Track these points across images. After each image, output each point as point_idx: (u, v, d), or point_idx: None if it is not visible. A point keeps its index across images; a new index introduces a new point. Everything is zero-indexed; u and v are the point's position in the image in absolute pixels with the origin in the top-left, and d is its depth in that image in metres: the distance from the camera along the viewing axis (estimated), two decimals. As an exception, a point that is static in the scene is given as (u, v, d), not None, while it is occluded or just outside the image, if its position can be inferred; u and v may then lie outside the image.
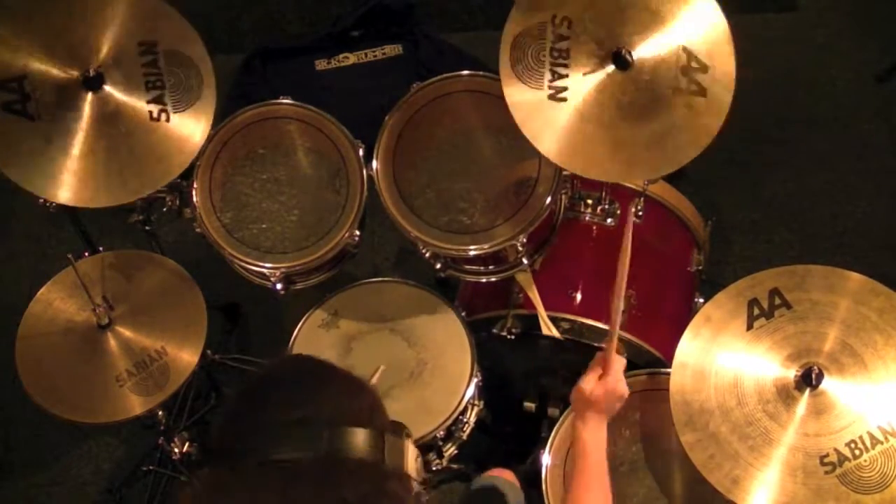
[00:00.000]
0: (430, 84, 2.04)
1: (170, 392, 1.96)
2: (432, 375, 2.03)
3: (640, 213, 2.20)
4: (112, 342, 1.99)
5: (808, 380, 1.60)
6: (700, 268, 2.30)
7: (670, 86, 1.78)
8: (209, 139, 2.03)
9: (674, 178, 2.25)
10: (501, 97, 1.83)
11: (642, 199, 2.20)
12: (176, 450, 2.09)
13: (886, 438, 1.56)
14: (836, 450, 1.56)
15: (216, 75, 2.00)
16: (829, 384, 1.60)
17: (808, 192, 2.98)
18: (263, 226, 2.03)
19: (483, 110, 2.01)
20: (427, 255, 2.03)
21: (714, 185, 2.92)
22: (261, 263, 2.01)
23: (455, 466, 2.21)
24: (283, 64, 3.22)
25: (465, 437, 2.09)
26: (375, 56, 3.22)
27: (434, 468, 2.08)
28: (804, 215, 2.95)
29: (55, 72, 1.93)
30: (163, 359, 1.98)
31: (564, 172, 1.95)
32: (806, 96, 3.17)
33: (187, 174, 2.03)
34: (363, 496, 1.02)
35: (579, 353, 2.09)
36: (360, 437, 1.04)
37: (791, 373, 1.63)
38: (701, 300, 2.18)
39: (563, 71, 1.80)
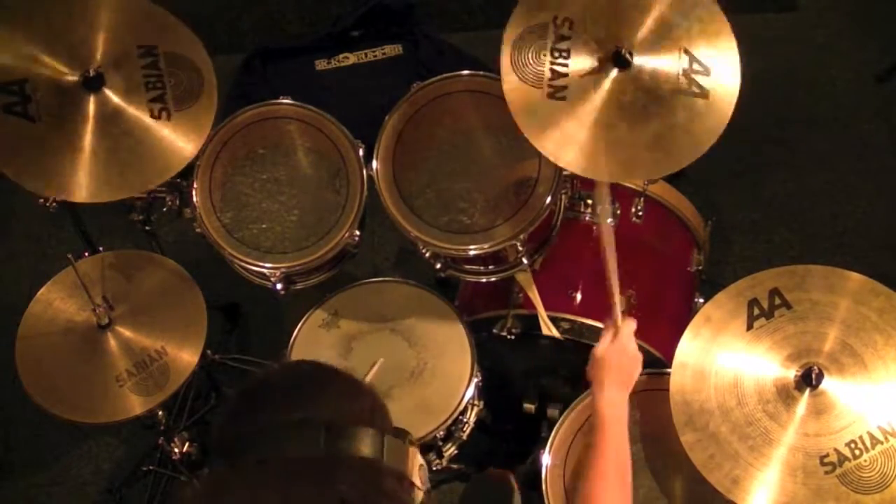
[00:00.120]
0: (430, 84, 2.04)
1: (170, 392, 1.96)
2: (432, 375, 2.03)
3: (640, 213, 2.20)
4: (112, 342, 1.99)
5: (808, 380, 1.60)
6: (700, 268, 2.30)
7: (671, 87, 1.78)
8: (209, 139, 2.03)
9: (674, 178, 2.25)
10: (501, 97, 1.83)
11: (642, 199, 2.20)
12: (176, 450, 2.09)
13: (886, 438, 1.56)
14: (836, 450, 1.56)
15: (216, 75, 2.00)
16: (829, 384, 1.60)
17: (808, 192, 2.98)
18: (263, 226, 2.03)
19: (483, 110, 2.01)
20: (427, 255, 2.03)
21: (714, 185, 2.92)
22: (261, 263, 2.01)
23: (455, 466, 2.21)
24: (283, 64, 3.22)
25: (465, 437, 2.09)
26: (375, 56, 3.22)
27: (434, 468, 2.08)
28: (804, 215, 2.95)
29: (55, 74, 1.94)
30: (163, 359, 1.98)
31: (564, 172, 1.95)
32: (806, 96, 3.17)
33: (187, 174, 2.03)
34: (362, 494, 1.02)
35: (579, 353, 2.09)
36: (358, 436, 1.04)
37: (791, 373, 1.63)
38: (701, 300, 2.18)
39: (562, 70, 1.80)
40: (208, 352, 2.35)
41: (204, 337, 2.02)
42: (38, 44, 1.94)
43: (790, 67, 3.21)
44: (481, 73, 2.03)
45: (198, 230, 2.04)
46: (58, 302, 2.03)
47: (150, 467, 2.48)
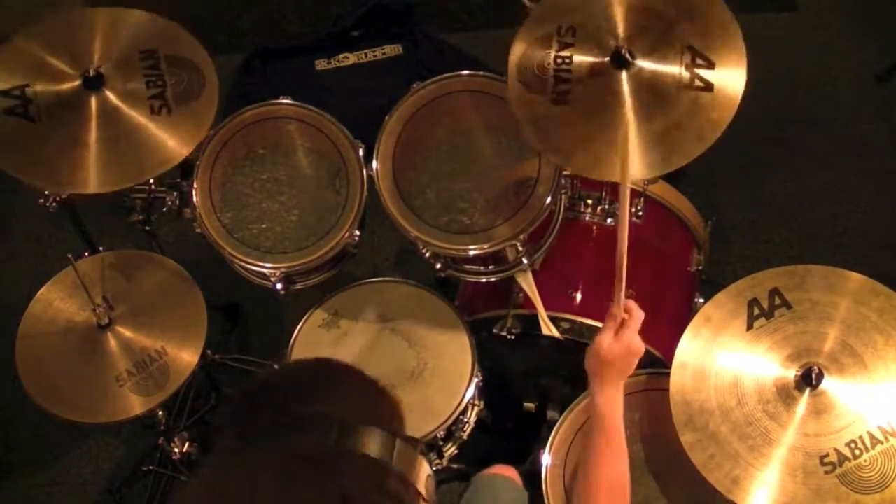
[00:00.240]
0: (430, 84, 2.04)
1: (170, 392, 1.96)
2: (432, 375, 2.03)
3: (640, 213, 2.20)
4: (112, 342, 1.99)
5: (808, 380, 1.60)
6: (700, 268, 2.30)
7: (674, 83, 1.78)
8: (209, 139, 2.03)
9: (674, 178, 2.25)
10: (501, 97, 1.83)
11: (642, 199, 2.20)
12: (176, 450, 2.09)
13: (886, 438, 1.56)
14: (836, 450, 1.56)
15: (216, 75, 2.00)
16: (829, 384, 1.60)
17: (808, 192, 2.98)
18: (263, 226, 2.03)
19: (483, 110, 2.01)
20: (427, 255, 2.03)
21: (714, 185, 2.92)
22: (261, 263, 2.01)
23: (455, 466, 2.21)
24: (283, 64, 3.22)
25: (465, 436, 2.09)
26: (375, 56, 3.22)
27: (434, 468, 2.08)
28: (804, 215, 2.95)
29: (57, 79, 1.95)
30: (163, 359, 1.98)
31: (564, 172, 1.95)
32: (806, 96, 3.17)
33: (187, 174, 2.03)
34: (364, 491, 1.02)
35: (579, 353, 2.09)
36: (370, 435, 1.04)
37: (791, 373, 1.63)
38: (701, 300, 2.18)
39: (565, 75, 1.81)
40: (208, 352, 2.35)
41: (204, 337, 2.02)
42: (41, 49, 1.97)
43: (790, 67, 3.21)
44: (481, 73, 2.03)
45: (198, 230, 2.04)
46: (58, 302, 2.03)
47: (150, 467, 2.48)
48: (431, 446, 2.04)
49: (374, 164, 2.00)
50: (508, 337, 2.09)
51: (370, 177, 2.01)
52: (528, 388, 2.27)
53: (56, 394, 1.94)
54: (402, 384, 2.01)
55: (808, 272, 1.71)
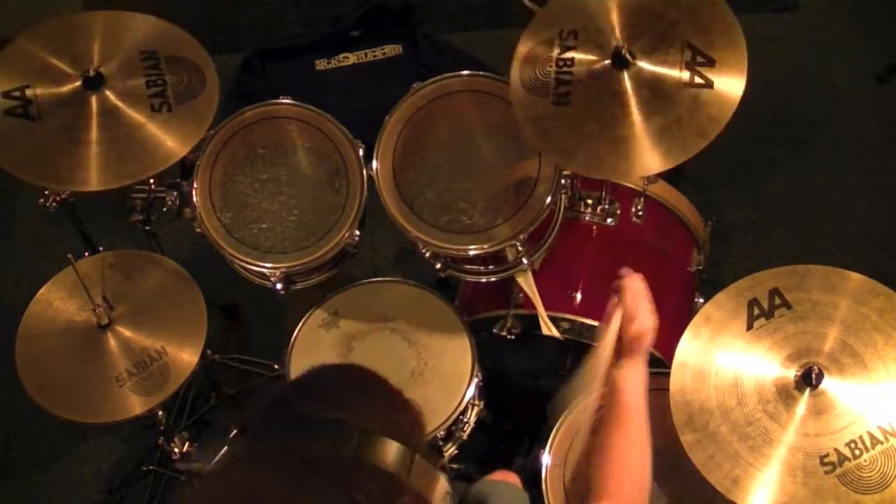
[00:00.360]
0: (430, 84, 2.04)
1: (170, 392, 1.96)
2: (432, 375, 2.03)
3: (640, 213, 2.20)
4: (112, 342, 1.99)
5: (808, 380, 1.59)
6: (700, 268, 2.30)
7: (675, 80, 1.79)
8: (209, 139, 2.03)
9: (674, 178, 2.26)
10: (501, 97, 1.84)
11: (642, 198, 2.20)
12: (176, 450, 2.09)
13: (886, 438, 1.56)
14: (836, 450, 1.56)
15: (217, 75, 2.01)
16: (829, 384, 1.60)
17: (808, 192, 2.98)
18: (263, 226, 2.03)
19: (483, 110, 2.01)
20: (427, 255, 2.03)
21: (714, 185, 2.92)
22: (261, 263, 2.01)
23: (455, 466, 2.21)
24: (283, 64, 3.22)
25: (465, 436, 2.09)
26: (375, 56, 3.22)
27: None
28: (804, 215, 2.95)
29: (56, 77, 1.96)
30: (163, 359, 1.98)
31: (564, 172, 1.95)
32: (806, 96, 3.17)
33: (187, 174, 2.03)
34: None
35: (579, 352, 2.09)
36: (388, 448, 1.03)
37: (791, 373, 1.63)
38: (701, 300, 2.18)
39: (567, 77, 1.81)
40: (208, 352, 2.35)
41: (204, 337, 2.02)
42: (41, 51, 1.98)
43: (790, 67, 3.21)
44: (481, 73, 2.03)
45: (198, 230, 2.04)
46: (58, 302, 2.03)
47: (150, 467, 2.48)
48: (431, 446, 2.04)
49: (374, 164, 2.00)
50: (508, 337, 2.09)
51: (370, 177, 2.01)
52: (527, 388, 2.27)
53: (56, 394, 1.94)
54: (402, 384, 1.96)
55: (808, 272, 1.71)
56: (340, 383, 1.12)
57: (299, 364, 2.04)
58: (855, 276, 1.69)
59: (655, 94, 1.79)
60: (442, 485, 1.09)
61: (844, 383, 1.60)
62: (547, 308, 2.05)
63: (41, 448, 2.67)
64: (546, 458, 1.80)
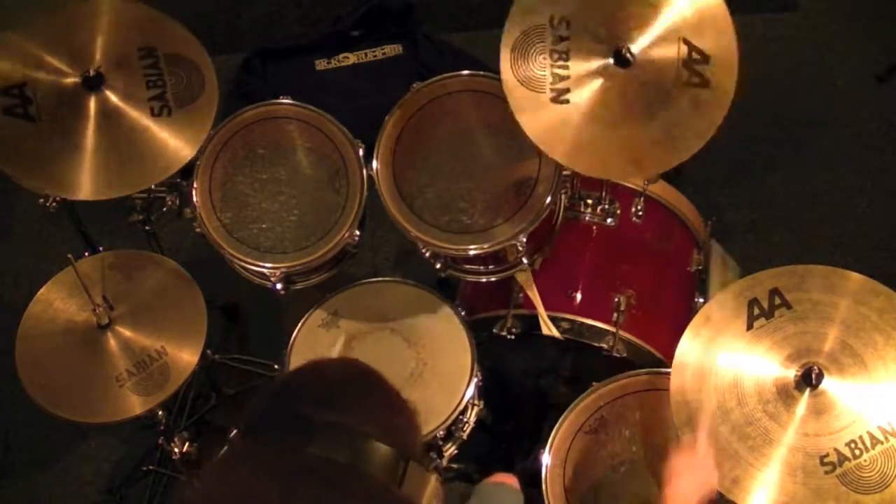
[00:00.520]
0: (430, 84, 2.04)
1: (170, 392, 1.96)
2: (432, 375, 2.03)
3: (640, 213, 2.20)
4: (112, 342, 1.99)
5: (808, 380, 1.59)
6: (700, 268, 2.30)
7: (673, 80, 1.79)
8: (209, 139, 2.03)
9: (674, 178, 2.26)
10: (501, 97, 1.83)
11: (642, 198, 2.20)
12: (176, 450, 2.09)
13: (886, 438, 1.56)
14: (836, 450, 1.56)
15: (216, 75, 2.00)
16: (829, 384, 1.60)
17: (808, 192, 2.99)
18: (263, 226, 2.03)
19: (483, 110, 2.01)
20: (427, 255, 2.03)
21: (714, 185, 2.92)
22: (261, 263, 2.01)
23: (455, 466, 2.21)
24: (283, 64, 3.22)
25: (465, 436, 2.09)
26: (375, 56, 3.22)
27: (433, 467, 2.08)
28: (804, 215, 2.95)
29: (56, 75, 1.95)
30: (163, 359, 1.98)
31: (564, 172, 1.95)
32: (806, 96, 3.17)
33: (187, 174, 2.03)
34: None
35: (579, 353, 2.09)
36: (383, 456, 1.03)
37: (791, 373, 1.63)
38: (701, 300, 2.18)
39: (563, 73, 1.80)
40: (208, 352, 2.35)
41: (204, 337, 2.02)
42: (39, 46, 1.96)
43: (790, 67, 3.21)
44: (481, 73, 2.04)
45: (198, 230, 2.04)
46: (58, 302, 2.03)
47: (150, 467, 2.48)
48: (431, 446, 2.03)
49: (374, 164, 2.00)
50: (508, 337, 2.09)
51: (370, 177, 2.01)
52: (527, 388, 2.27)
53: (56, 394, 1.94)
54: (402, 384, 1.96)
55: (808, 272, 1.70)
56: (339, 382, 1.11)
57: (299, 364, 2.04)
58: (855, 276, 1.69)
59: (656, 93, 1.79)
60: (433, 487, 1.09)
61: (844, 383, 1.60)
62: (547, 308, 2.06)
63: (41, 448, 2.67)
64: (546, 458, 1.80)
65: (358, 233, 2.04)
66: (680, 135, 1.78)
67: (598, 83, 1.80)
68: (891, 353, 1.61)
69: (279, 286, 2.06)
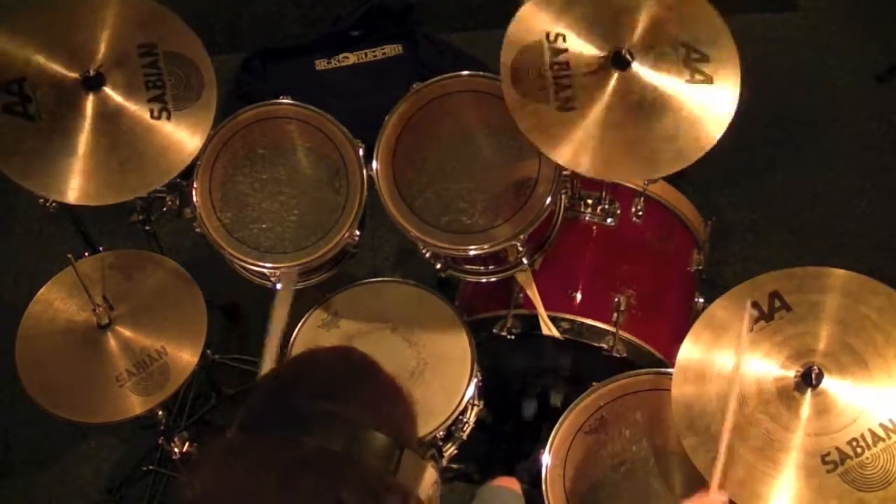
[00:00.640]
0: (430, 84, 2.04)
1: (170, 392, 1.96)
2: (432, 375, 2.03)
3: (640, 213, 2.20)
4: (112, 342, 1.99)
5: (809, 380, 1.59)
6: (700, 268, 2.30)
7: (676, 79, 1.80)
8: (209, 139, 2.03)
9: (674, 178, 2.25)
10: (501, 97, 1.84)
11: (642, 198, 2.20)
12: (176, 450, 2.09)
13: (888, 435, 1.55)
14: (837, 448, 1.55)
15: (216, 75, 2.00)
16: (829, 383, 1.60)
17: (808, 192, 2.99)
18: (263, 226, 2.03)
19: (483, 110, 2.01)
20: (427, 255, 2.03)
21: (714, 185, 2.92)
22: (261, 263, 2.01)
23: (455, 466, 2.21)
24: (283, 64, 3.22)
25: (465, 436, 2.09)
26: (375, 56, 3.22)
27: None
28: (804, 215, 2.95)
29: (55, 73, 1.94)
30: (163, 359, 1.98)
31: (564, 172, 1.95)
32: (806, 96, 3.17)
33: (187, 174, 2.03)
34: (360, 502, 1.01)
35: (579, 352, 2.09)
36: (378, 444, 1.04)
37: (791, 374, 1.62)
38: (701, 300, 2.18)
39: (566, 81, 1.81)
40: (208, 352, 2.35)
41: (204, 337, 2.02)
42: (39, 43, 1.94)
43: (790, 67, 3.21)
44: (481, 73, 2.03)
45: (198, 230, 2.04)
46: (58, 302, 2.03)
47: (150, 467, 2.48)
48: (430, 445, 2.03)
49: (374, 164, 2.00)
50: (508, 337, 2.09)
51: (370, 177, 2.01)
52: (527, 388, 2.27)
53: (56, 394, 1.94)
54: (402, 384, 2.00)
55: (807, 273, 1.70)
56: (334, 371, 1.11)
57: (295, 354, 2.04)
58: (854, 275, 1.68)
59: (660, 92, 1.80)
60: (430, 476, 1.09)
61: (845, 382, 1.60)
62: (547, 308, 2.06)
63: (41, 448, 2.67)
64: (546, 458, 1.80)
65: (358, 233, 2.04)
66: (692, 130, 1.78)
67: (602, 87, 1.81)
68: (891, 352, 1.61)
69: (279, 286, 2.06)
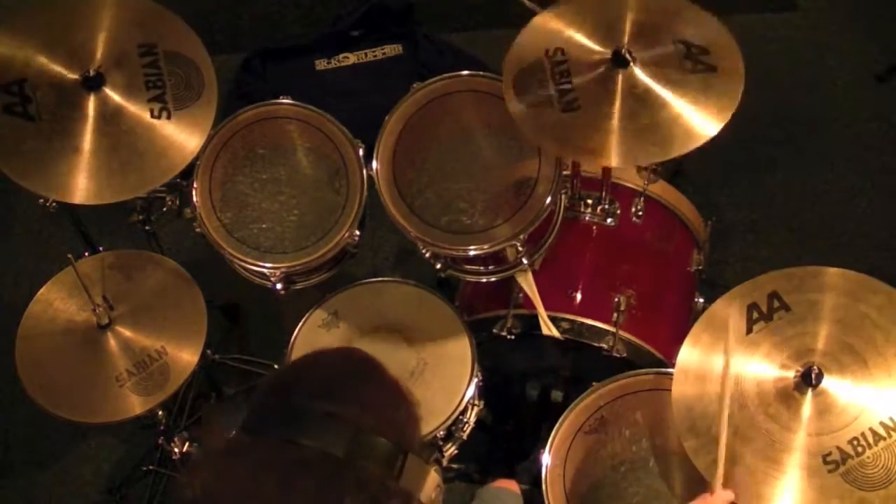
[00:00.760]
0: (430, 84, 2.04)
1: (170, 392, 1.96)
2: (432, 375, 2.03)
3: (640, 213, 2.20)
4: (112, 342, 1.99)
5: (809, 380, 1.59)
6: (700, 268, 2.30)
7: (679, 72, 1.82)
8: (209, 139, 2.03)
9: (674, 178, 2.26)
10: (501, 97, 1.84)
11: (642, 198, 2.20)
12: (176, 450, 2.09)
13: (889, 434, 1.55)
14: (838, 448, 1.55)
15: (216, 75, 2.00)
16: (829, 383, 1.60)
17: (808, 192, 2.99)
18: (263, 226, 2.03)
19: (483, 110, 2.01)
20: (427, 255, 2.03)
21: (714, 185, 2.93)
22: (261, 263, 2.01)
23: (455, 466, 2.21)
24: (283, 64, 3.22)
25: (465, 436, 2.09)
26: (375, 56, 3.22)
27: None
28: (804, 215, 2.95)
29: (55, 74, 1.94)
30: (163, 359, 1.98)
31: (564, 172, 1.95)
32: (806, 96, 3.17)
33: (187, 174, 2.03)
34: None
35: (579, 352, 2.09)
36: (380, 449, 1.03)
37: (791, 374, 1.62)
38: (701, 300, 2.18)
39: (568, 86, 1.83)
40: (208, 352, 2.35)
41: (204, 337, 2.02)
42: (39, 43, 1.95)
43: (790, 67, 3.21)
44: (481, 73, 2.03)
45: (198, 230, 2.04)
46: (58, 302, 2.03)
47: (150, 467, 2.48)
48: (431, 445, 2.03)
49: (374, 164, 1.99)
50: (508, 337, 2.09)
51: (370, 177, 2.01)
52: (527, 388, 2.27)
53: (56, 394, 1.94)
54: (406, 387, 2.00)
55: (806, 273, 1.70)
56: (337, 373, 1.11)
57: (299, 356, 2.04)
58: (853, 274, 1.68)
59: (665, 82, 1.82)
60: (432, 480, 1.09)
61: (845, 382, 1.60)
62: (547, 308, 2.05)
63: (41, 448, 2.67)
64: (546, 458, 1.80)
65: (358, 233, 2.04)
66: (699, 114, 1.79)
67: (605, 85, 1.82)
68: (891, 350, 1.61)
69: (279, 286, 2.06)
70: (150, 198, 2.12)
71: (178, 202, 2.11)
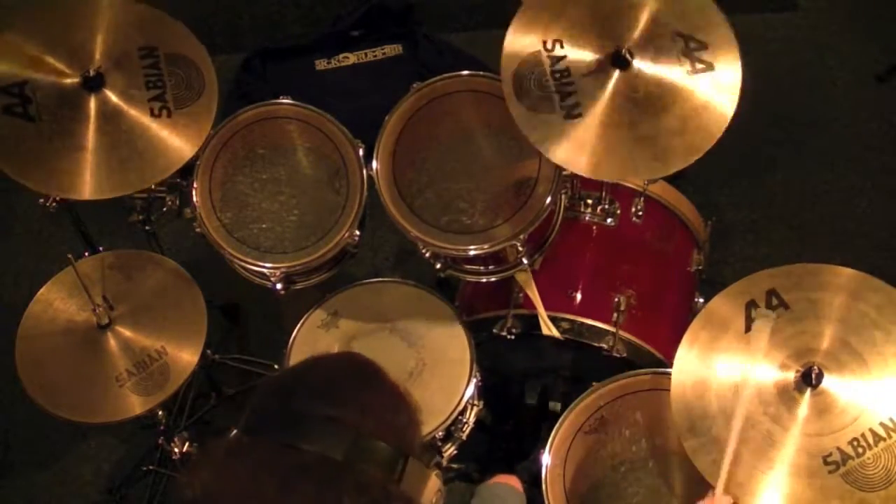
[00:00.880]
0: (430, 84, 2.04)
1: (170, 392, 1.96)
2: (432, 375, 2.02)
3: (640, 213, 2.20)
4: (112, 342, 1.99)
5: (808, 380, 1.59)
6: (700, 268, 2.30)
7: (677, 71, 1.80)
8: (209, 139, 2.03)
9: (674, 178, 2.25)
10: (501, 97, 1.84)
11: (642, 198, 2.20)
12: (176, 450, 2.09)
13: (889, 434, 1.55)
14: (838, 448, 1.55)
15: (216, 75, 2.00)
16: (829, 383, 1.59)
17: (808, 192, 2.99)
18: (263, 226, 2.03)
19: (483, 110, 2.01)
20: (427, 255, 2.03)
21: (714, 185, 2.92)
22: (261, 263, 2.01)
23: (455, 466, 2.21)
24: (283, 64, 3.22)
25: (464, 437, 2.09)
26: (375, 56, 3.22)
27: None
28: (804, 215, 2.95)
29: (55, 75, 1.95)
30: (163, 359, 1.98)
31: (564, 172, 1.95)
32: (806, 96, 3.17)
33: (187, 174, 2.03)
34: None
35: (579, 352, 2.09)
36: (381, 453, 1.03)
37: (791, 374, 1.62)
38: (701, 300, 2.18)
39: (569, 89, 1.81)
40: (208, 352, 2.35)
41: (204, 337, 2.02)
42: (39, 45, 1.96)
43: (790, 67, 3.21)
44: (481, 72, 2.03)
45: (198, 230, 2.04)
46: (58, 302, 2.03)
47: (150, 467, 2.48)
48: (431, 446, 2.03)
49: (374, 164, 2.00)
50: (508, 337, 2.09)
51: (370, 177, 2.01)
52: (527, 388, 2.27)
53: (56, 394, 1.94)
54: (401, 384, 2.00)
55: (805, 271, 1.70)
56: (338, 377, 1.11)
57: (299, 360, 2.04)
58: (852, 272, 1.68)
59: (664, 87, 1.81)
60: (433, 484, 1.09)
61: (845, 381, 1.60)
62: (547, 308, 2.06)
63: (41, 448, 2.67)
64: (546, 458, 1.80)
65: (358, 233, 2.04)
66: (700, 120, 1.78)
67: (605, 89, 1.81)
68: (890, 349, 1.60)
69: (279, 286, 2.06)
70: (150, 198, 2.12)
71: (178, 202, 2.11)
